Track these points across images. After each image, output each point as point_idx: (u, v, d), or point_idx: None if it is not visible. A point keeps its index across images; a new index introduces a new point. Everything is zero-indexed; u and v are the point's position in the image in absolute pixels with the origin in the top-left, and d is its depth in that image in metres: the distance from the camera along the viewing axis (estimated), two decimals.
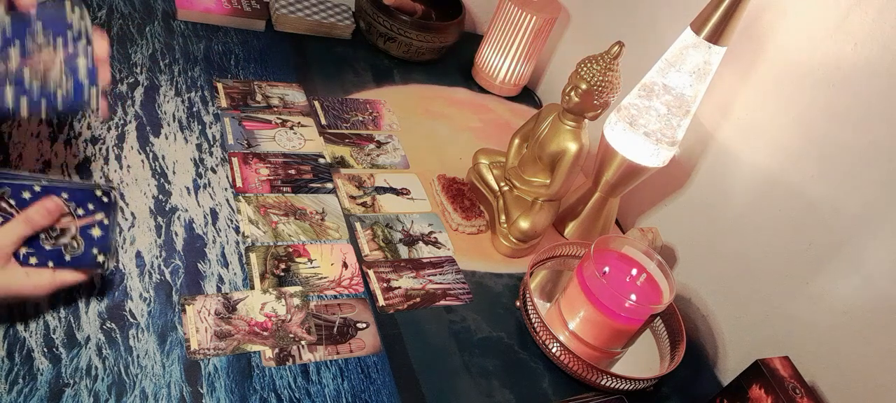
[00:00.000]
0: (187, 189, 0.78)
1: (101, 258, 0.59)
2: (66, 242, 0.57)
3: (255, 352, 0.65)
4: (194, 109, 0.89)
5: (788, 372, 0.68)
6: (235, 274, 0.71)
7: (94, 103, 0.57)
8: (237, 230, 0.76)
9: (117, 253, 0.63)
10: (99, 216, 0.58)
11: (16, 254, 0.55)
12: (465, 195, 0.91)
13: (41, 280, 0.56)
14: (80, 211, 0.57)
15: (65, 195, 0.56)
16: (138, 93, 0.88)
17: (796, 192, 0.78)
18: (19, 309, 0.60)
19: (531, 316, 0.77)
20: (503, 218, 0.88)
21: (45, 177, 0.57)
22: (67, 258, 0.58)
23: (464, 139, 1.05)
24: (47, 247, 0.57)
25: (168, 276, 0.68)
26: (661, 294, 0.76)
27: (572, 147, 0.82)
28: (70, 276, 0.59)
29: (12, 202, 0.55)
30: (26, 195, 0.55)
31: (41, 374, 0.57)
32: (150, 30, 0.99)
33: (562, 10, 1.15)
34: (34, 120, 0.58)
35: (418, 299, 0.77)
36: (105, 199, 0.58)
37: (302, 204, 0.82)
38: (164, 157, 0.81)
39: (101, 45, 0.57)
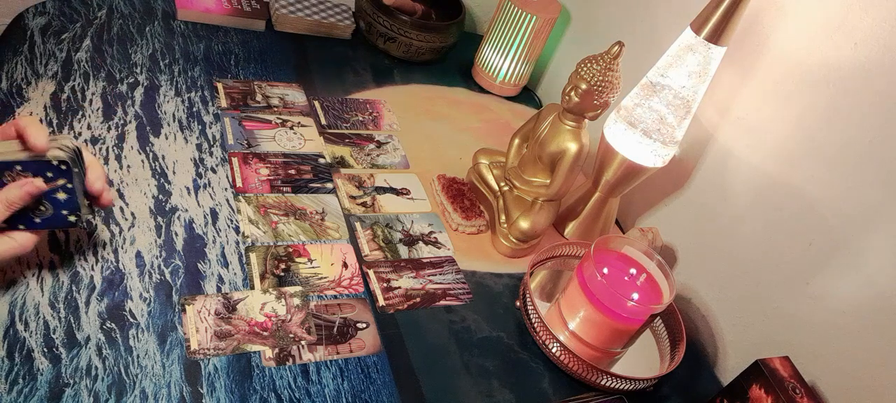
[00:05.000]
0: (187, 189, 0.78)
1: (72, 217, 0.61)
2: (32, 207, 0.58)
3: (255, 352, 0.65)
4: (194, 109, 0.89)
5: (788, 372, 0.68)
6: (235, 274, 0.71)
7: (82, 221, 0.61)
8: (237, 230, 0.76)
9: (92, 210, 0.64)
10: (60, 181, 0.59)
11: None
12: (465, 195, 0.91)
13: (27, 238, 0.59)
14: (42, 182, 0.58)
15: (19, 167, 0.57)
16: (138, 93, 0.88)
17: (796, 192, 0.78)
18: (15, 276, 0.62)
19: (531, 316, 0.77)
20: (503, 218, 0.88)
21: None
22: (37, 220, 0.59)
23: (464, 139, 1.05)
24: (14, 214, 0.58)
25: (168, 276, 0.68)
26: (661, 294, 0.76)
27: (572, 147, 0.82)
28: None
29: None
30: None
31: (41, 374, 0.57)
32: (150, 30, 0.99)
33: (561, 9, 1.15)
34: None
35: (418, 299, 0.77)
36: (63, 167, 0.58)
37: (302, 205, 0.82)
38: (164, 157, 0.81)
39: (96, 174, 0.62)
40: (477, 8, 1.34)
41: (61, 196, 0.59)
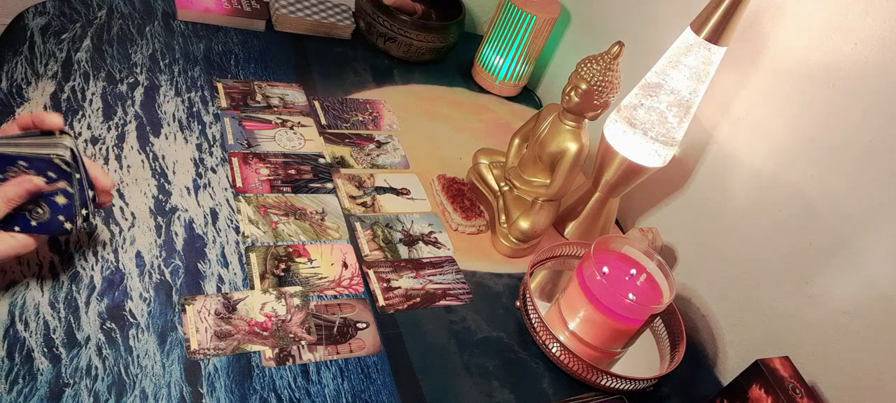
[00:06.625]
0: (187, 189, 0.78)
1: (68, 224, 0.59)
2: (30, 208, 0.57)
3: (255, 352, 0.65)
4: (194, 109, 0.89)
5: (788, 372, 0.68)
6: (235, 274, 0.71)
7: (77, 228, 0.60)
8: (237, 230, 0.76)
9: (90, 212, 0.62)
10: (61, 184, 0.58)
11: None
12: (465, 195, 0.91)
13: (28, 237, 0.58)
14: (42, 180, 0.57)
15: (23, 163, 0.56)
16: (138, 93, 0.88)
17: (796, 192, 0.78)
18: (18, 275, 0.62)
19: (531, 316, 0.77)
20: (503, 218, 0.88)
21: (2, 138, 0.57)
22: (33, 224, 0.58)
23: (464, 139, 1.05)
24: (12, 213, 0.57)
25: (168, 276, 0.68)
26: (661, 294, 0.76)
27: (572, 147, 0.82)
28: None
29: None
30: None
31: (41, 374, 0.57)
32: (150, 30, 0.99)
33: (561, 9, 1.15)
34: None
35: (418, 299, 0.77)
36: (66, 168, 0.57)
37: (302, 205, 0.82)
38: (164, 157, 0.81)
39: (100, 170, 0.62)
40: (477, 8, 1.34)
41: (60, 200, 0.58)
